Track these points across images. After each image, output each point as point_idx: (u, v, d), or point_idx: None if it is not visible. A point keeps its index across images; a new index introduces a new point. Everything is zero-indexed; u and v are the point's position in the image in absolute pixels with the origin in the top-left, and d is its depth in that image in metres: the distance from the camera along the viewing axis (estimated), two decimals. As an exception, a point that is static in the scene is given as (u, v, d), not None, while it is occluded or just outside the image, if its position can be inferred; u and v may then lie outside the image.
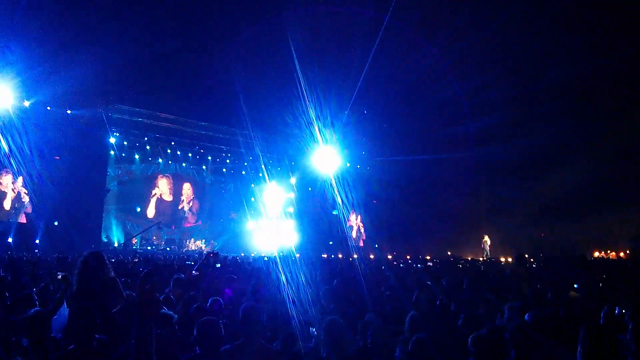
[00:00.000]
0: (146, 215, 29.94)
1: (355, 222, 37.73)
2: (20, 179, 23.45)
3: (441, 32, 25.06)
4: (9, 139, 21.97)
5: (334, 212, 33.65)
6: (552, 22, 23.84)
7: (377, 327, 5.00)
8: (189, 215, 32.45)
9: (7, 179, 23.38)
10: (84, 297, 4.88)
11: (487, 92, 27.77)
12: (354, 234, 37.24)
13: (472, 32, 24.37)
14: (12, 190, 23.50)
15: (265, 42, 23.98)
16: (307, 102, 26.53)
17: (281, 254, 21.17)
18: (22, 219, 23.36)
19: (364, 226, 37.77)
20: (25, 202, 23.64)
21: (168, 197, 31.15)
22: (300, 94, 25.96)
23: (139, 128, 28.08)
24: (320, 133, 29.38)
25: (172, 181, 31.48)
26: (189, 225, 32.29)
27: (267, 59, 23.96)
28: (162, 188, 30.80)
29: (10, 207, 23.36)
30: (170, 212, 31.04)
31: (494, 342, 3.74)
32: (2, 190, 23.26)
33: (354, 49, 23.73)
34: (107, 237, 27.36)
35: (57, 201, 22.59)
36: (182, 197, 32.28)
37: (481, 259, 26.75)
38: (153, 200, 30.22)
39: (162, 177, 31.03)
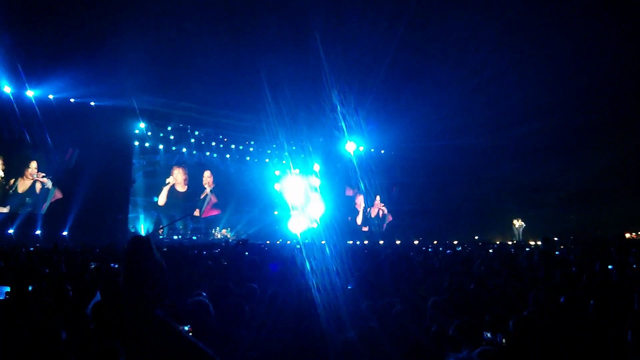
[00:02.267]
0: (157, 203, 29.87)
1: (379, 206, 37.65)
2: (33, 164, 23.65)
3: (466, 16, 24.70)
4: (34, 132, 22.32)
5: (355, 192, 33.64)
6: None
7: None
8: (210, 203, 32.44)
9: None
10: (131, 281, 4.96)
11: (514, 77, 27.37)
12: (363, 216, 37.26)
13: (498, 14, 23.95)
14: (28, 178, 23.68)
15: (289, 29, 23.87)
16: (331, 89, 26.40)
17: (306, 240, 21.20)
18: (43, 209, 23.62)
19: (387, 210, 37.68)
20: (49, 187, 23.86)
21: (182, 188, 30.94)
22: (324, 80, 25.83)
23: (162, 118, 28.20)
24: (344, 119, 29.24)
25: (187, 171, 31.28)
26: (210, 214, 32.30)
27: (290, 46, 23.84)
28: (177, 177, 30.62)
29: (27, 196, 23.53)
30: (182, 202, 30.85)
31: (535, 324, 3.64)
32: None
33: (380, 34, 23.46)
34: (134, 227, 27.60)
35: (83, 193, 22.83)
36: (205, 184, 32.28)
37: (510, 242, 26.47)
38: (166, 189, 30.12)
39: (177, 167, 30.87)
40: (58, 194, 23.90)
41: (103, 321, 4.53)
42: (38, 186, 23.74)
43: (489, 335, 4.16)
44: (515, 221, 32.41)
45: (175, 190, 30.63)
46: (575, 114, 28.17)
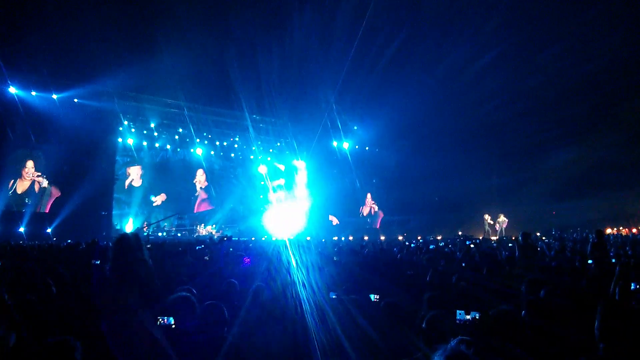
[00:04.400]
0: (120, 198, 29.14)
1: (370, 204, 37.76)
2: (30, 163, 23.45)
3: (450, 16, 24.91)
4: (15, 129, 22.09)
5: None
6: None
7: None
8: (203, 201, 32.51)
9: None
10: (117, 278, 5.06)
11: (497, 77, 27.65)
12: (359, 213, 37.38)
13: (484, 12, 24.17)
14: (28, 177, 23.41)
15: (275, 24, 23.84)
16: (318, 86, 26.48)
17: (291, 237, 21.22)
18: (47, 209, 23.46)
19: (378, 206, 37.84)
20: (45, 187, 23.68)
21: (137, 183, 30.25)
22: (310, 78, 25.92)
23: (146, 115, 28.02)
24: (329, 117, 29.33)
25: (141, 169, 30.32)
26: (203, 209, 32.26)
27: (276, 41, 23.79)
28: (133, 174, 30.13)
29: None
30: (140, 199, 29.91)
31: (512, 317, 3.70)
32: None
33: (373, 32, 23.49)
34: (121, 224, 27.45)
35: (67, 190, 22.67)
36: (195, 182, 32.23)
37: (493, 238, 26.74)
38: (126, 185, 29.74)
39: (133, 166, 30.02)
40: (55, 192, 23.66)
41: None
42: (37, 186, 23.54)
43: (467, 316, 4.23)
44: (486, 216, 32.89)
45: (133, 186, 30.06)
46: (558, 111, 28.52)
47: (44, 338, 3.37)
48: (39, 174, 23.54)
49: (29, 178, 23.42)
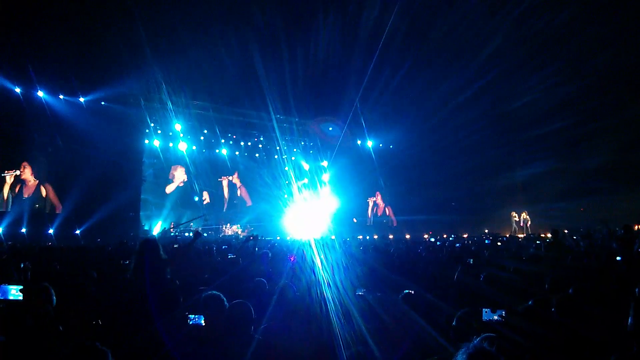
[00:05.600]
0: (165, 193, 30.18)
1: (379, 202, 37.66)
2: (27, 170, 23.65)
3: (470, 19, 24.70)
4: (43, 132, 22.45)
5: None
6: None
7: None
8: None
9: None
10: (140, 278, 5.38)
11: (514, 75, 27.45)
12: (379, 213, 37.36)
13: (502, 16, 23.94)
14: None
15: (300, 25, 23.88)
16: (341, 85, 26.46)
17: (317, 237, 21.24)
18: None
19: (389, 206, 37.70)
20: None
21: (182, 184, 31.12)
22: (334, 77, 25.89)
23: (172, 116, 28.28)
24: (353, 115, 29.26)
25: (185, 170, 31.19)
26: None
27: (299, 43, 23.81)
28: (178, 175, 30.82)
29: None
30: (172, 200, 30.65)
31: (540, 314, 3.69)
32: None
33: (395, 34, 23.37)
34: (149, 225, 27.79)
35: (95, 191, 22.85)
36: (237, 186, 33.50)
37: (520, 235, 26.45)
38: (174, 185, 30.62)
39: (178, 166, 30.90)
40: (81, 194, 23.55)
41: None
42: (43, 191, 23.84)
43: (494, 316, 4.22)
44: (513, 213, 32.54)
45: (179, 186, 30.82)
46: (586, 106, 28.11)
47: (82, 337, 3.44)
48: (62, 176, 23.82)
49: (54, 181, 23.78)
